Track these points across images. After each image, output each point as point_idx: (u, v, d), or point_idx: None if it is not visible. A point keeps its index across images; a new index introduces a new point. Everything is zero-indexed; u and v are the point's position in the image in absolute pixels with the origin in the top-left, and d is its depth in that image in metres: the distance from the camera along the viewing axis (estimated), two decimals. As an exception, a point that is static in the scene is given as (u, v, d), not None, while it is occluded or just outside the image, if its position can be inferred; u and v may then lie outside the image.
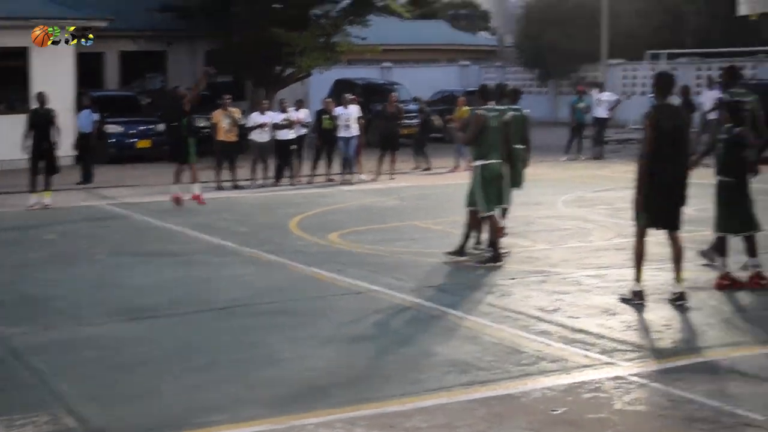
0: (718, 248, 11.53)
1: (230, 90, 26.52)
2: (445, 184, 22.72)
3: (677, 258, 10.67)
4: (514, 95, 15.32)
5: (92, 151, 24.85)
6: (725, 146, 11.46)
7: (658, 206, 10.58)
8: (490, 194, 13.00)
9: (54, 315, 10.73)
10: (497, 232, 13.24)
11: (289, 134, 23.85)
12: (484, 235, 13.57)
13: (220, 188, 22.56)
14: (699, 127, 25.93)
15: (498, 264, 12.92)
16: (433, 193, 21.56)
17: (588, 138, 30.42)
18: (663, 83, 10.89)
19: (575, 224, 16.62)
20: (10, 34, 27.48)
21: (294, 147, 24.14)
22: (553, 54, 45.96)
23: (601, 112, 30.16)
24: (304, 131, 24.74)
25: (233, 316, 10.63)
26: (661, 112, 10.65)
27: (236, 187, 22.92)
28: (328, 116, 24.49)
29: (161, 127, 29.55)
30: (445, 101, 35.68)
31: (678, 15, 44.65)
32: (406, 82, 40.22)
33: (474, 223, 13.39)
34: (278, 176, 23.91)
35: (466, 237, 13.39)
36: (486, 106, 13.18)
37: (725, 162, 11.46)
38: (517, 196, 14.98)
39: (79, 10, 29.55)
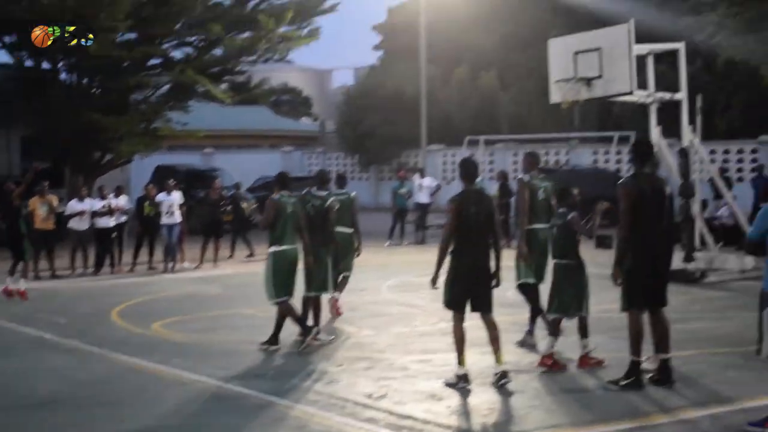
0: (550, 329, 11.73)
1: (48, 176, 25.90)
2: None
3: (494, 339, 10.86)
4: (340, 180, 15.79)
5: None
6: (559, 230, 11.78)
7: (466, 290, 10.79)
8: (278, 281, 13.18)
9: None
10: (288, 316, 13.28)
11: (109, 222, 23.47)
12: (324, 317, 13.58)
13: (37, 278, 21.87)
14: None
15: (311, 336, 13.07)
16: (256, 280, 21.26)
17: (410, 223, 30.90)
18: (466, 169, 11.17)
19: (400, 309, 16.77)
20: None
21: (114, 235, 23.74)
22: (374, 140, 46.79)
23: (422, 198, 30.72)
24: (124, 218, 24.36)
25: (52, 410, 10.26)
26: (467, 197, 10.93)
27: (55, 277, 22.34)
28: (149, 203, 24.19)
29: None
30: (267, 187, 35.69)
31: (494, 102, 46.13)
32: (229, 167, 40.18)
33: (283, 312, 13.36)
34: (98, 265, 23.41)
35: (279, 326, 13.33)
36: (282, 193, 13.32)
37: (560, 246, 11.78)
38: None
39: None
